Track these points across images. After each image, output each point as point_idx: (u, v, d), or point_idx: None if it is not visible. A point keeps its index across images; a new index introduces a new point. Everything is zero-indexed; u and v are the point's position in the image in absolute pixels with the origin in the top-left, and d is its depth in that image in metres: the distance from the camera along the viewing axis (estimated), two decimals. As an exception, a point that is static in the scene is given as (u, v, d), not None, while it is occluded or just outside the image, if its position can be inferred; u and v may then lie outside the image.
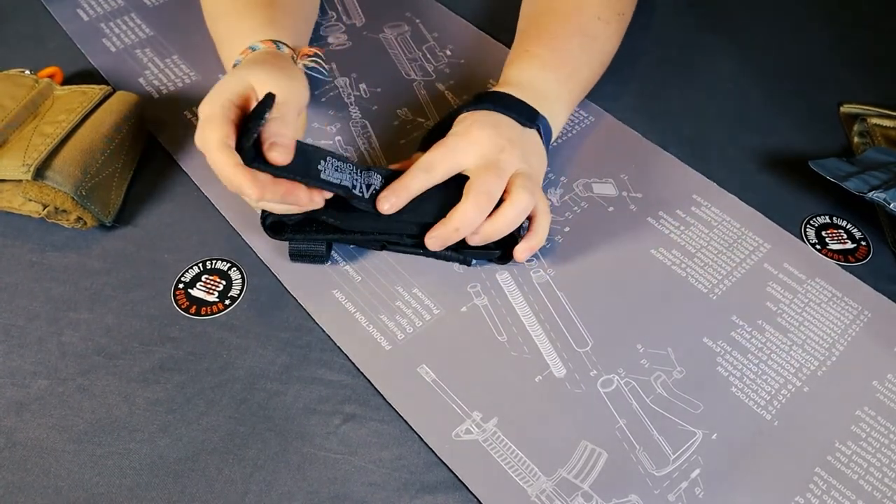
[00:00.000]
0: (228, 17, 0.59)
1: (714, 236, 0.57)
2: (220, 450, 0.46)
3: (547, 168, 0.57)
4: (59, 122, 0.55)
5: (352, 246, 0.56)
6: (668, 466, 0.46)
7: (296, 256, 0.54)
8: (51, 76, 0.62)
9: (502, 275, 0.54)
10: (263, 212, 0.51)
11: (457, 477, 0.45)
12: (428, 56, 0.71)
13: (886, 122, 0.65)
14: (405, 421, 0.47)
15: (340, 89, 0.68)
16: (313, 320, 0.52)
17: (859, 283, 0.55)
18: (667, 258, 0.56)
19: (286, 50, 0.55)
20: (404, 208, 0.50)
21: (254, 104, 0.47)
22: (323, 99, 0.67)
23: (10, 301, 0.52)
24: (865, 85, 0.70)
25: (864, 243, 0.58)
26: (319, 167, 0.48)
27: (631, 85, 0.69)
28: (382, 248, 0.55)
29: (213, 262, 0.55)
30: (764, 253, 0.57)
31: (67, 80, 0.66)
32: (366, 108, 0.66)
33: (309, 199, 0.47)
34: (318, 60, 0.59)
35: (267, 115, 0.45)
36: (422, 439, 0.47)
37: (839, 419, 0.48)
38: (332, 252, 0.55)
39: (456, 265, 0.55)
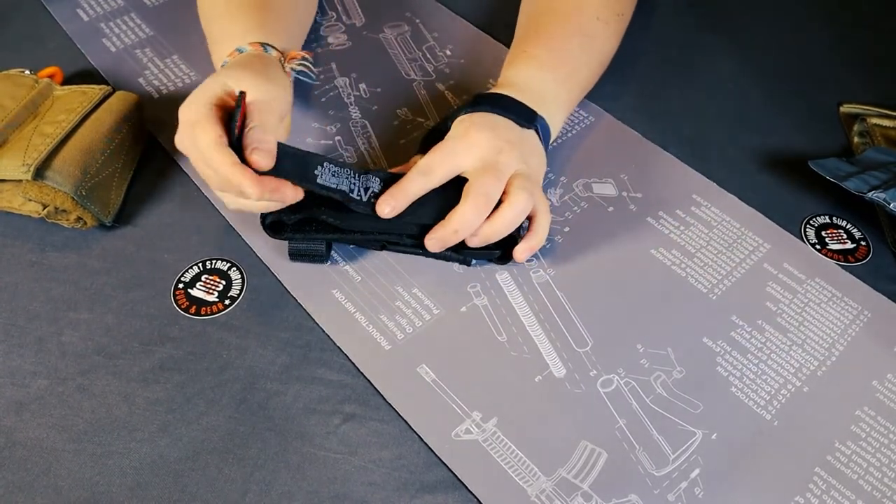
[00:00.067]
0: (221, 18, 0.59)
1: (714, 236, 0.58)
2: (220, 449, 0.46)
3: (547, 168, 0.57)
4: (59, 122, 0.55)
5: (352, 246, 0.56)
6: (668, 466, 0.46)
7: (295, 256, 0.54)
8: (51, 76, 0.62)
9: (502, 275, 0.55)
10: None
11: (456, 477, 0.45)
12: (428, 56, 0.71)
13: (886, 122, 0.65)
14: (405, 421, 0.47)
15: (340, 89, 0.68)
16: (313, 320, 0.52)
17: (859, 283, 0.55)
18: (667, 258, 0.56)
19: (273, 53, 0.55)
20: (404, 211, 0.50)
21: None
22: (323, 99, 0.67)
23: (10, 301, 0.53)
24: (865, 85, 0.70)
25: (863, 243, 0.58)
26: (316, 172, 0.49)
27: (631, 85, 0.69)
28: (382, 248, 0.55)
29: (213, 261, 0.55)
30: (764, 253, 0.57)
31: (67, 80, 0.66)
32: (366, 108, 0.66)
33: (294, 195, 0.48)
34: (307, 64, 0.59)
35: (238, 116, 0.45)
36: (421, 439, 0.47)
37: (839, 419, 0.48)
38: (332, 252, 0.55)
39: (456, 265, 0.55)
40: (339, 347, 0.51)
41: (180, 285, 0.54)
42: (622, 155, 0.63)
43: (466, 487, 0.45)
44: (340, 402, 0.48)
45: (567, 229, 0.57)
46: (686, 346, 0.51)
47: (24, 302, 0.52)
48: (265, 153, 0.45)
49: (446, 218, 0.50)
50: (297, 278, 0.54)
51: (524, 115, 0.55)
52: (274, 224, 0.52)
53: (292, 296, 0.53)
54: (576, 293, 0.54)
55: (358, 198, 0.50)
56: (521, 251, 0.52)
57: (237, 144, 0.46)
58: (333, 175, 0.49)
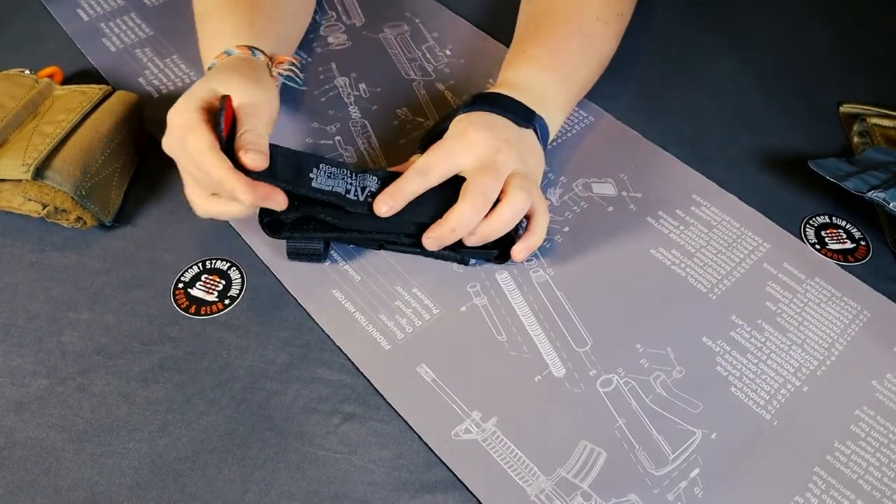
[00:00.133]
0: (211, 17, 0.59)
1: (714, 236, 0.58)
2: (220, 449, 0.46)
3: (546, 168, 0.57)
4: (59, 121, 0.55)
5: (351, 245, 0.56)
6: (668, 466, 0.46)
7: (294, 255, 0.54)
8: (50, 76, 0.62)
9: (502, 274, 0.55)
10: (261, 210, 0.51)
11: (456, 476, 0.45)
12: (428, 56, 0.71)
13: (886, 122, 0.65)
14: (405, 420, 0.47)
15: (340, 89, 0.68)
16: (313, 320, 0.52)
17: (859, 283, 0.55)
18: (666, 258, 0.56)
19: (261, 57, 0.55)
20: (402, 210, 0.50)
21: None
22: (323, 99, 0.67)
23: (10, 301, 0.53)
24: (865, 85, 0.70)
25: (863, 243, 0.58)
26: (312, 175, 0.49)
27: (631, 85, 0.69)
28: (381, 247, 0.55)
29: (213, 261, 0.55)
30: (763, 253, 0.57)
31: (67, 80, 0.66)
32: (365, 108, 0.66)
33: (285, 201, 0.49)
34: (294, 69, 0.59)
35: (222, 119, 0.46)
36: (421, 439, 0.47)
37: (838, 419, 0.48)
38: (332, 251, 0.55)
39: (455, 265, 0.55)
40: (338, 347, 0.51)
41: (180, 285, 0.54)
42: (622, 155, 0.63)
43: (466, 487, 0.45)
44: (340, 401, 0.48)
45: (567, 229, 0.57)
46: (686, 346, 0.51)
47: (24, 302, 0.52)
48: (259, 154, 0.46)
49: (444, 216, 0.50)
50: (297, 278, 0.54)
51: (522, 115, 0.55)
52: (272, 223, 0.52)
53: (292, 295, 0.53)
54: (575, 293, 0.54)
55: (354, 198, 0.50)
56: (519, 251, 0.52)
57: (226, 148, 0.46)
58: (330, 177, 0.50)
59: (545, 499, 0.44)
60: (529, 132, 0.55)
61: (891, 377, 0.50)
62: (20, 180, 0.53)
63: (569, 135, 0.65)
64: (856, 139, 0.65)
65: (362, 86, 0.68)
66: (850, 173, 0.57)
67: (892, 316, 0.53)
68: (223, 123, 0.46)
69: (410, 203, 0.51)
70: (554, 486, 0.45)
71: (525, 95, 0.56)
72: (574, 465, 0.46)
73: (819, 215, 0.60)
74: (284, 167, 0.48)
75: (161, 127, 0.63)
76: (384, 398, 0.48)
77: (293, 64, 0.59)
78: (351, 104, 0.66)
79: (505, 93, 0.56)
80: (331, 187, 0.49)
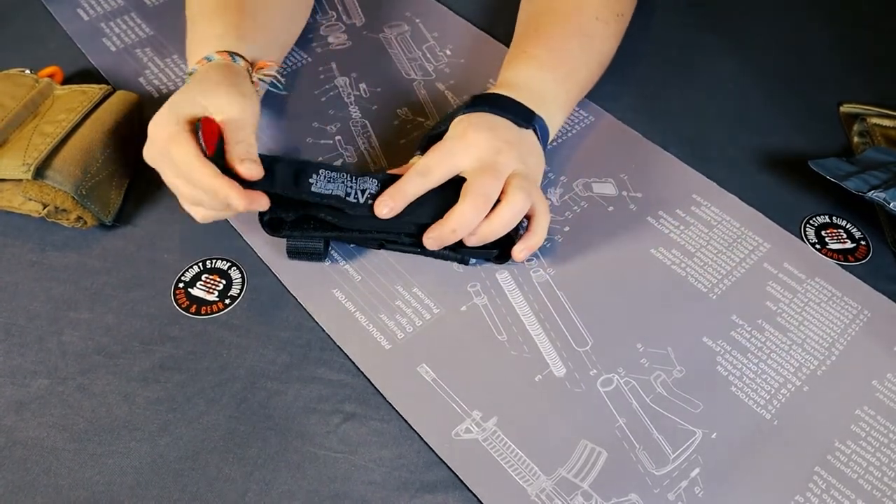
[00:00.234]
0: (197, 22, 0.59)
1: (714, 236, 0.58)
2: (220, 449, 0.46)
3: (546, 167, 0.57)
4: (60, 121, 0.55)
5: (351, 245, 0.56)
6: (668, 465, 0.46)
7: (294, 254, 0.54)
8: (51, 76, 0.62)
9: (502, 274, 0.55)
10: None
11: (456, 476, 0.45)
12: (428, 56, 0.71)
13: (886, 122, 0.65)
14: (405, 420, 0.47)
15: (340, 89, 0.68)
16: (313, 319, 0.52)
17: (859, 283, 0.55)
18: (666, 258, 0.56)
19: (241, 63, 0.55)
20: (402, 211, 0.50)
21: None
22: (323, 98, 0.67)
23: (11, 300, 0.53)
24: (865, 85, 0.70)
25: (863, 243, 0.58)
26: (311, 180, 0.50)
27: (631, 85, 0.69)
28: (381, 246, 0.55)
29: (213, 261, 0.55)
30: (764, 252, 0.57)
31: (67, 80, 0.66)
32: (366, 108, 0.66)
33: (268, 202, 0.49)
34: (274, 74, 0.58)
35: (201, 138, 0.47)
36: (421, 438, 0.47)
37: (839, 418, 0.48)
38: (332, 251, 0.55)
39: (455, 264, 0.55)
40: (339, 347, 0.51)
41: (180, 285, 0.54)
42: (622, 155, 0.63)
43: (466, 487, 0.45)
44: (340, 401, 0.48)
45: (567, 229, 0.57)
46: (686, 346, 0.51)
47: (24, 301, 0.52)
48: (254, 164, 0.48)
49: (445, 217, 0.50)
50: (298, 278, 0.54)
51: (522, 115, 0.55)
52: (272, 221, 0.52)
53: (292, 295, 0.53)
54: (576, 292, 0.54)
55: (354, 200, 0.50)
56: (519, 251, 0.52)
57: (213, 161, 0.47)
58: (329, 181, 0.50)
59: (546, 498, 0.44)
60: (529, 133, 0.55)
61: (891, 377, 0.50)
62: (20, 180, 0.53)
63: (569, 135, 0.65)
64: (856, 139, 0.65)
65: (363, 85, 0.68)
66: (850, 173, 0.57)
67: (893, 316, 0.53)
68: (203, 142, 0.47)
69: (411, 204, 0.51)
70: (554, 485, 0.45)
71: (525, 95, 0.56)
72: (574, 465, 0.46)
73: (819, 215, 0.60)
74: (283, 175, 0.49)
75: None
76: (384, 398, 0.48)
77: (275, 69, 0.58)
78: (351, 104, 0.66)
79: (505, 93, 0.56)
80: (330, 191, 0.50)
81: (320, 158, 0.61)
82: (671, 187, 0.61)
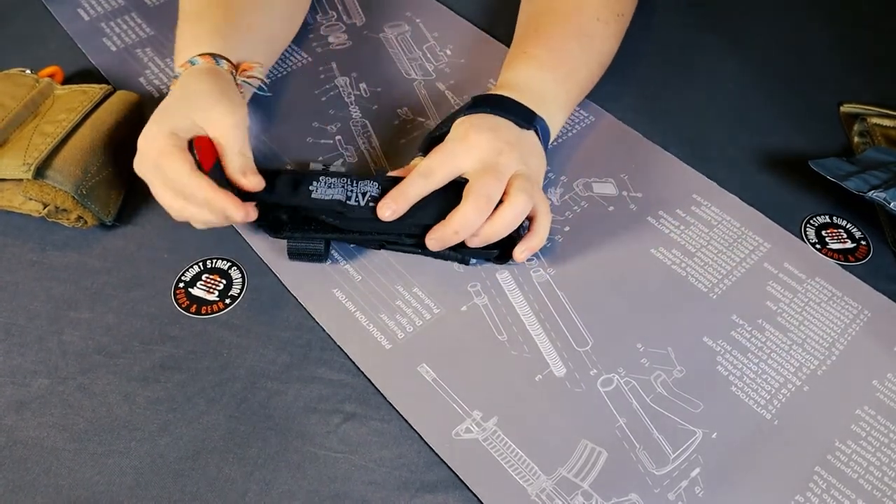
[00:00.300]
0: (185, 23, 0.59)
1: (714, 236, 0.58)
2: (221, 449, 0.46)
3: (547, 168, 0.57)
4: (60, 121, 0.55)
5: (351, 245, 0.56)
6: (668, 465, 0.46)
7: (294, 255, 0.54)
8: (51, 75, 0.62)
9: (502, 274, 0.55)
10: (261, 209, 0.51)
11: (457, 476, 0.45)
12: (428, 55, 0.71)
13: (886, 122, 0.65)
14: (405, 420, 0.47)
15: (340, 89, 0.68)
16: (313, 319, 0.52)
17: (859, 283, 0.55)
18: (667, 258, 0.56)
19: (224, 65, 0.55)
20: (404, 213, 0.51)
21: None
22: (323, 98, 0.67)
23: (11, 300, 0.53)
24: (865, 85, 0.70)
25: (863, 243, 0.58)
26: (311, 187, 0.50)
27: (631, 85, 0.69)
28: (381, 247, 0.55)
29: (214, 261, 0.55)
30: (764, 252, 0.57)
31: (68, 80, 0.66)
32: (366, 108, 0.66)
33: (255, 212, 0.50)
34: (258, 76, 0.58)
35: (196, 156, 0.48)
36: (422, 438, 0.47)
37: (839, 418, 0.48)
38: (332, 251, 0.55)
39: (456, 264, 0.55)
40: (339, 347, 0.51)
41: (181, 284, 0.54)
42: (622, 154, 0.63)
43: (467, 486, 0.45)
44: (341, 401, 0.48)
45: (567, 229, 0.57)
46: (686, 346, 0.51)
47: (24, 301, 0.52)
48: (256, 176, 0.49)
49: (447, 218, 0.50)
50: (298, 278, 0.54)
51: (523, 116, 0.55)
52: (273, 222, 0.52)
53: (293, 295, 0.53)
54: (576, 292, 0.54)
55: (355, 204, 0.50)
56: (520, 251, 0.52)
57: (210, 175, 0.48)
58: (329, 187, 0.51)
59: (546, 498, 0.44)
60: (530, 133, 0.55)
61: (891, 377, 0.50)
62: (21, 180, 0.53)
63: (569, 135, 0.65)
64: (856, 139, 0.65)
65: (363, 85, 0.68)
66: (850, 173, 0.57)
67: (893, 316, 0.53)
68: (198, 158, 0.48)
69: (413, 206, 0.51)
70: (555, 485, 0.45)
71: (525, 96, 0.56)
72: (575, 465, 0.46)
73: (819, 215, 0.60)
74: (283, 184, 0.50)
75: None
76: (385, 398, 0.48)
77: (259, 70, 0.58)
78: (351, 104, 0.66)
79: (505, 94, 0.56)
80: (331, 196, 0.50)
81: (320, 158, 0.61)
82: (671, 187, 0.61)
